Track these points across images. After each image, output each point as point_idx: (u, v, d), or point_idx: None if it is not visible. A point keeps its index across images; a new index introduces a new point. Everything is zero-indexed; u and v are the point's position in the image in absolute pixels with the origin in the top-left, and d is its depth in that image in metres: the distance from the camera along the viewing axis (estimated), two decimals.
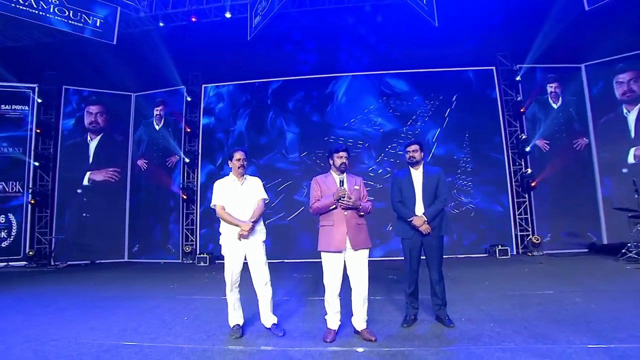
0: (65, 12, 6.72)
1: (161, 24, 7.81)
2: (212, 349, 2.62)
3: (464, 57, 8.80)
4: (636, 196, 6.56)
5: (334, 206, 2.79)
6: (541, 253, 7.86)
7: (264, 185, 3.13)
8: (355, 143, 8.72)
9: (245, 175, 3.02)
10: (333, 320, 2.83)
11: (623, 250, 6.37)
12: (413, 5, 6.52)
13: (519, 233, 8.25)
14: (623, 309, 3.32)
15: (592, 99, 8.61)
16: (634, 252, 6.18)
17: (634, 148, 8.07)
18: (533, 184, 8.08)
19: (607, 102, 8.40)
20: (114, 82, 9.64)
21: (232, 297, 2.93)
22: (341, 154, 2.88)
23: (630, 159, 8.09)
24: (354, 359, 2.39)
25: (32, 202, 8.86)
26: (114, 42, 7.33)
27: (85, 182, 9.51)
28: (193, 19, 7.63)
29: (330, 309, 2.82)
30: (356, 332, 2.86)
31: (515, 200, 8.35)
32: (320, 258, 2.84)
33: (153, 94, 10.01)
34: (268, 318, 2.97)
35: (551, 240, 8.19)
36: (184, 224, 9.24)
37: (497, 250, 7.63)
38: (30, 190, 8.93)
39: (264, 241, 2.98)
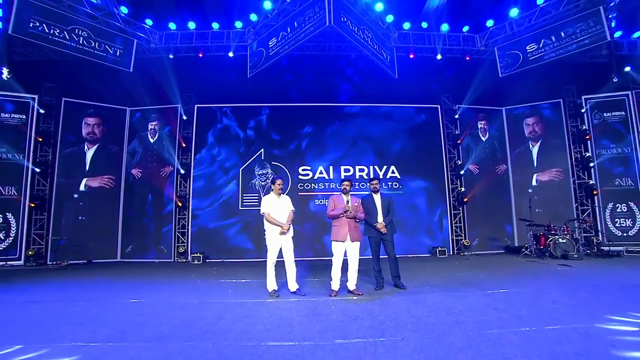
0: (92, 44, 7.85)
1: (171, 56, 9.11)
2: (265, 301, 4.26)
3: (417, 96, 11.09)
4: (537, 210, 9.17)
5: (341, 215, 4.59)
6: (470, 253, 10.24)
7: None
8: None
9: (281, 194, 4.73)
10: (335, 284, 4.62)
11: (522, 250, 8.88)
12: (378, 63, 8.59)
13: (454, 237, 10.58)
14: (505, 279, 5.55)
15: (509, 134, 11.31)
16: (528, 250, 8.70)
17: (536, 174, 10.84)
18: (465, 200, 10.48)
19: (519, 138, 11.15)
20: (111, 96, 10.59)
21: (272, 271, 4.60)
22: (345, 182, 4.75)
23: (534, 182, 10.84)
24: (352, 302, 4.17)
25: (32, 205, 9.54)
26: (131, 70, 8.53)
27: (82, 187, 10.31)
28: (200, 55, 9.05)
29: (335, 276, 4.61)
30: (349, 291, 4.67)
31: (452, 211, 10.70)
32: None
33: (148, 110, 11.05)
34: (293, 284, 4.67)
35: (478, 243, 10.61)
36: (177, 227, 10.41)
37: (437, 251, 9.84)
38: (29, 195, 9.60)
39: (292, 237, 4.69)
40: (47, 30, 7.10)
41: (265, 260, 4.58)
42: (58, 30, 7.29)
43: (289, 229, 4.58)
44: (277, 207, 4.61)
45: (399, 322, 3.22)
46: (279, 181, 4.68)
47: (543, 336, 2.68)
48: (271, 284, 4.60)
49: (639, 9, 7.91)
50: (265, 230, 4.63)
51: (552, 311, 3.47)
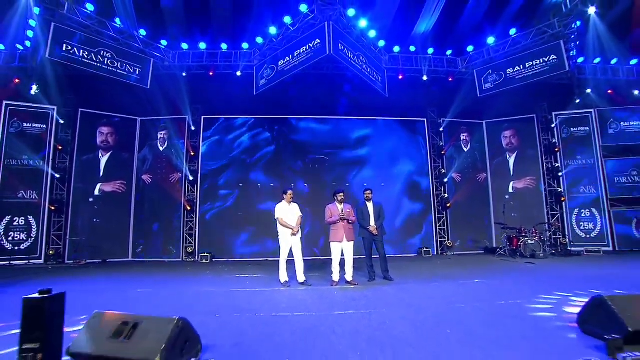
0: (115, 64, 8.75)
1: (184, 74, 10.03)
2: (279, 290, 5.25)
3: (405, 110, 12.18)
4: (513, 214, 10.31)
5: (338, 221, 5.62)
6: (453, 253, 11.34)
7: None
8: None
9: (291, 202, 5.74)
10: (336, 276, 5.66)
11: (497, 250, 10.02)
12: (371, 84, 9.64)
13: (438, 239, 11.69)
14: (478, 274, 6.63)
15: (489, 146, 12.49)
16: (502, 250, 9.85)
17: (512, 182, 12.04)
18: (449, 205, 11.61)
19: (497, 149, 12.33)
20: (123, 107, 11.41)
21: (284, 266, 5.60)
22: (340, 194, 5.76)
23: (510, 189, 12.02)
24: (350, 290, 5.20)
25: (52, 208, 10.33)
26: (148, 87, 9.42)
27: (97, 192, 11.12)
28: (211, 74, 10.00)
29: (335, 270, 5.64)
30: (347, 282, 5.69)
31: (437, 216, 11.81)
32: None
33: (157, 120, 11.88)
34: (301, 276, 5.68)
35: (460, 244, 11.73)
36: (185, 229, 11.28)
37: (423, 251, 10.93)
38: (49, 198, 10.39)
39: (301, 238, 5.69)
40: (77, 53, 7.99)
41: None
42: (87, 53, 8.18)
43: (298, 231, 5.58)
44: (288, 213, 5.62)
45: (387, 302, 4.26)
46: (290, 192, 5.71)
47: (490, 308, 3.75)
48: (283, 276, 5.60)
49: (594, 41, 9.21)
50: (278, 232, 5.63)
51: (504, 294, 4.54)
